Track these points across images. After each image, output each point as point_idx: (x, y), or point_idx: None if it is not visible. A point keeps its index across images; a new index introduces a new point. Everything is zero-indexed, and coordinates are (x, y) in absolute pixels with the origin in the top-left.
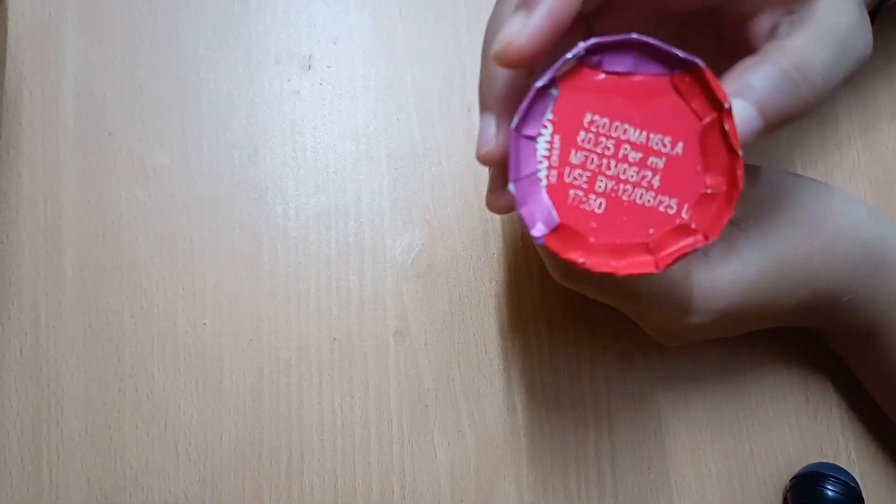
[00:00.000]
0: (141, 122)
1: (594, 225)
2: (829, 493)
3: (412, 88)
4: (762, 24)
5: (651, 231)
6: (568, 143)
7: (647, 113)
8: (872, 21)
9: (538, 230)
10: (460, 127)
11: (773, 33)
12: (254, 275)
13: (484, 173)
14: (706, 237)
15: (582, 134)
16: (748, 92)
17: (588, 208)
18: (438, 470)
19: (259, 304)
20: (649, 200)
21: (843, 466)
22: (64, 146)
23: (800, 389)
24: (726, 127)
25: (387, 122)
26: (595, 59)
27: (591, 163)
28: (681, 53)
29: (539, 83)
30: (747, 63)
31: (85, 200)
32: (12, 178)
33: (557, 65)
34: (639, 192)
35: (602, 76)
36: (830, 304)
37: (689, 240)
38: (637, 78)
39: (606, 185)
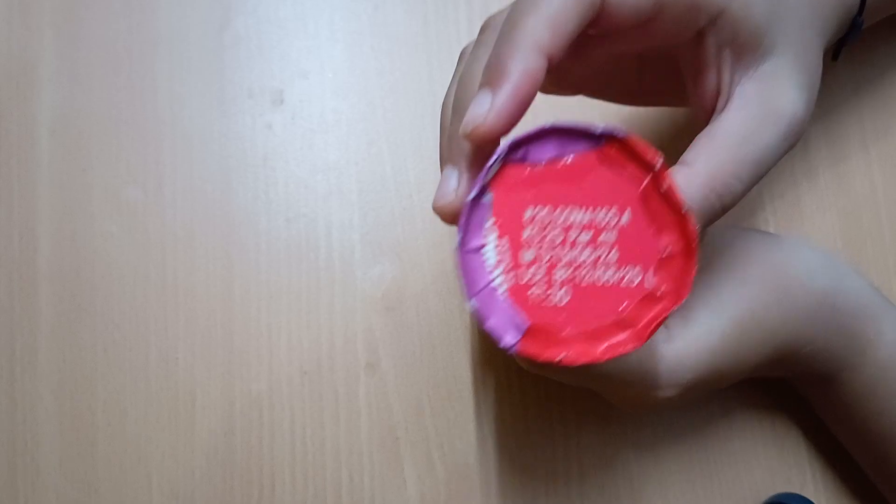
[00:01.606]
0: (116, 158)
1: (563, 317)
2: None
3: (383, 122)
4: (711, 77)
5: (621, 307)
6: (516, 244)
7: (584, 192)
8: (836, 56)
9: (509, 340)
10: (431, 160)
11: (720, 85)
12: (226, 309)
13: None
14: (678, 297)
15: (527, 230)
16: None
17: (553, 303)
18: (409, 502)
19: (231, 338)
20: (611, 277)
21: (809, 497)
22: (39, 182)
23: (767, 421)
24: (664, 185)
25: (358, 155)
26: (518, 154)
27: (544, 256)
28: (599, 128)
29: (470, 196)
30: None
31: (59, 236)
32: None
33: (483, 173)
34: (598, 272)
35: (529, 169)
36: (792, 356)
37: (661, 304)
38: (565, 161)
39: (565, 275)
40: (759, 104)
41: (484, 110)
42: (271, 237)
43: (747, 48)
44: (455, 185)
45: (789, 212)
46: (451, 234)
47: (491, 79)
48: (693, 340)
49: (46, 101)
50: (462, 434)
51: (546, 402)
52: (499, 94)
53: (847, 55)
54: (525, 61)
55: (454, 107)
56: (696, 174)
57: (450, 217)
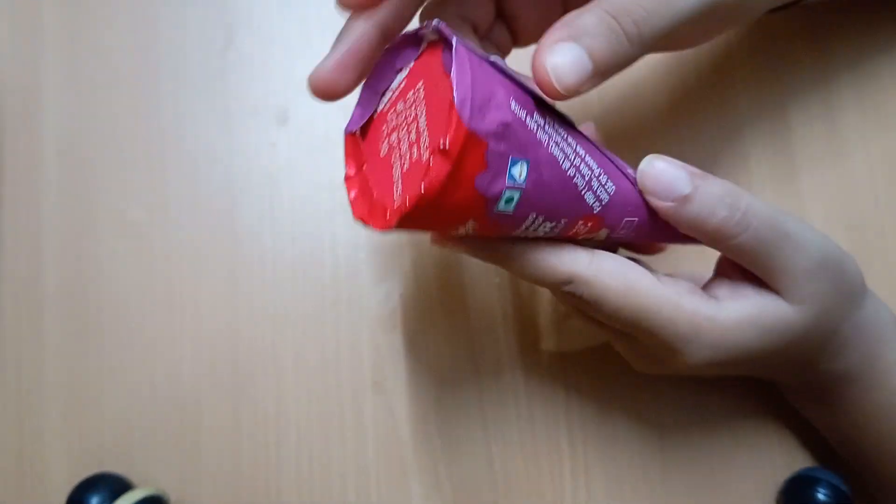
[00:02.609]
0: (121, 178)
1: (369, 165)
2: (821, 496)
3: None
4: None
5: (399, 187)
6: (401, 95)
7: (428, 88)
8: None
9: (351, 125)
10: None
11: None
12: (232, 328)
13: None
14: (428, 194)
15: (411, 94)
16: (577, 37)
17: (381, 145)
18: None
19: (237, 357)
20: (414, 154)
21: (833, 472)
22: (45, 203)
23: (779, 401)
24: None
25: None
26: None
27: (401, 118)
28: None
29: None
30: (575, 12)
31: (66, 256)
32: None
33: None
34: (412, 150)
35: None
36: (817, 366)
37: (410, 196)
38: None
39: (395, 140)
40: None
41: (322, 66)
42: (277, 256)
43: None
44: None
45: None
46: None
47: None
48: (739, 318)
49: (52, 122)
50: (469, 453)
51: (554, 421)
52: (331, 55)
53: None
54: (356, 29)
55: None
56: (595, 5)
57: (316, 89)
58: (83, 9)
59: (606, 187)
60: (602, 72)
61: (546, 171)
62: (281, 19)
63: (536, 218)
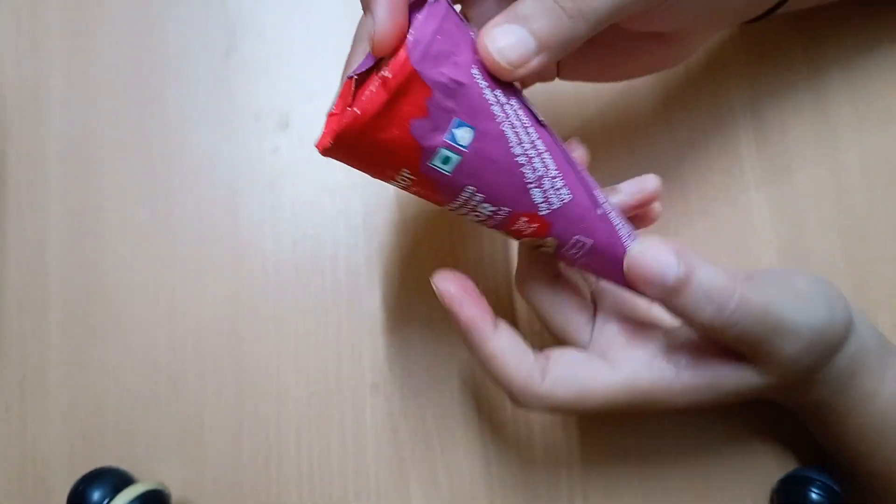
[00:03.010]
0: (124, 182)
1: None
2: (814, 496)
3: None
4: None
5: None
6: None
7: None
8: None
9: (355, 70)
10: None
11: None
12: (234, 330)
13: (460, 233)
14: (355, 122)
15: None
16: (518, 19)
17: (366, 90)
18: None
19: (239, 359)
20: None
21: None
22: (49, 205)
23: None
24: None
25: (363, 177)
26: None
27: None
28: None
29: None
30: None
31: (70, 259)
32: None
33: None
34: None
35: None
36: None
37: (342, 119)
38: None
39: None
40: None
41: (370, 31)
42: (279, 259)
43: None
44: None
45: (791, 231)
46: (455, 255)
47: (364, 4)
48: (695, 384)
49: (56, 126)
50: (468, 455)
51: (551, 423)
52: (377, 17)
53: (848, 88)
54: None
55: None
56: None
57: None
58: (87, 14)
59: (560, 192)
60: (548, 47)
61: (493, 148)
62: (283, 24)
63: (475, 194)
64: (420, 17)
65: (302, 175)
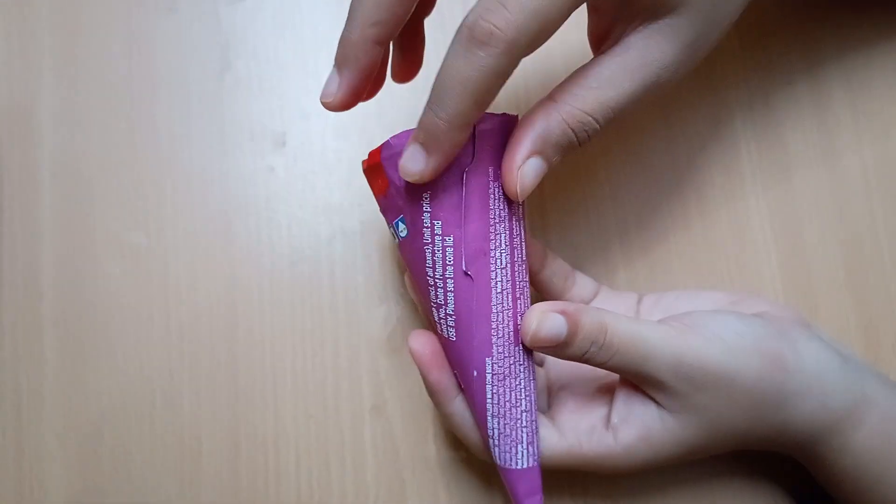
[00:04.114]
0: (118, 202)
1: None
2: None
3: None
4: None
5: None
6: None
7: None
8: None
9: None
10: None
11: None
12: (230, 352)
13: None
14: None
15: None
16: (541, 151)
17: None
18: None
19: (236, 381)
20: None
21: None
22: (42, 226)
23: None
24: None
25: (360, 196)
26: None
27: None
28: None
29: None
30: (541, 116)
31: (63, 281)
32: None
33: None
34: None
35: None
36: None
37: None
38: None
39: None
40: (635, 54)
41: (332, 90)
42: (275, 280)
43: (647, 7)
44: (336, 86)
45: (791, 241)
46: None
47: (339, 62)
48: (629, 443)
49: (47, 145)
50: (469, 477)
51: None
52: (343, 78)
53: (848, 97)
54: (364, 53)
55: (349, 11)
56: (557, 110)
57: (334, 109)
58: (80, 32)
59: (449, 329)
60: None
61: (415, 256)
62: (277, 42)
63: (413, 276)
64: (401, 133)
65: (298, 194)
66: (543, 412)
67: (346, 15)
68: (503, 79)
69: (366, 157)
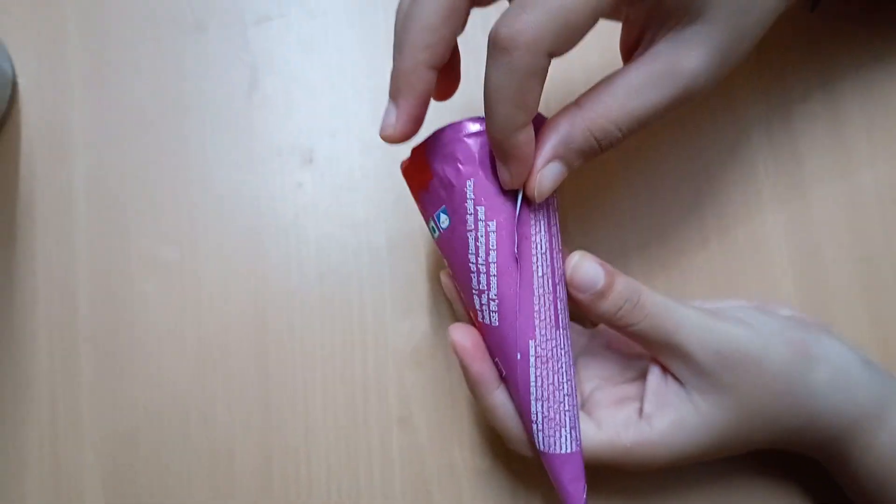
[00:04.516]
0: (150, 219)
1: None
2: None
3: None
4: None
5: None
6: None
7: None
8: (814, 7)
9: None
10: None
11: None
12: (261, 366)
13: None
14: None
15: None
16: (563, 156)
17: None
18: None
19: (267, 394)
20: None
21: None
22: (77, 244)
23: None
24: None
25: (386, 211)
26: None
27: None
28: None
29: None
30: (566, 121)
31: (98, 297)
32: (28, 278)
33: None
34: None
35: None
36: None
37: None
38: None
39: None
40: (662, 63)
41: (392, 122)
42: (304, 294)
43: (673, 14)
44: (394, 119)
45: (807, 257)
46: None
47: (394, 93)
48: (663, 430)
49: (81, 165)
50: (494, 487)
51: None
52: (400, 110)
53: (863, 115)
54: (418, 79)
55: (395, 43)
56: (582, 117)
57: (393, 142)
58: (110, 53)
59: (492, 314)
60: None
61: (458, 244)
62: (303, 62)
63: (450, 267)
64: (459, 127)
65: (326, 210)
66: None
67: (368, 36)
68: (536, 79)
69: (405, 157)
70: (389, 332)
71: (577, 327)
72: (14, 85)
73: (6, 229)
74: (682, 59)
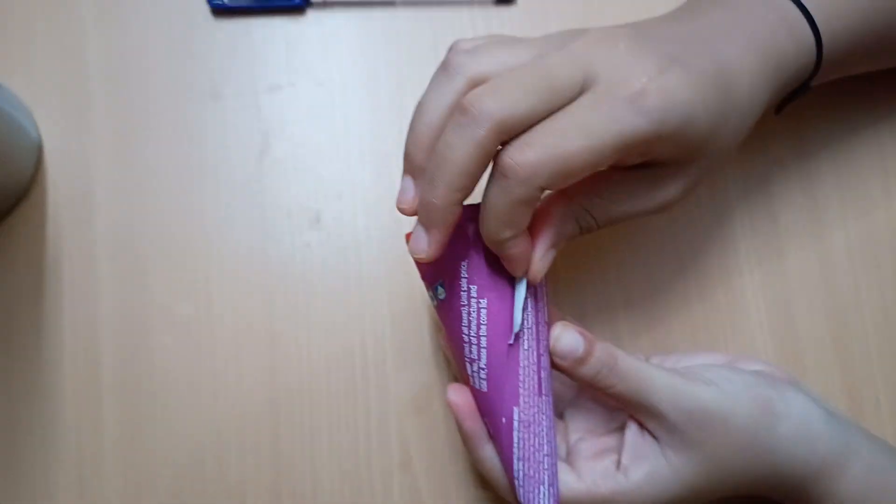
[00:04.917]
0: (169, 277)
1: None
2: None
3: None
4: None
5: None
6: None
7: None
8: (779, 110)
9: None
10: None
11: None
12: (272, 414)
13: None
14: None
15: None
16: (556, 245)
17: None
18: None
19: (278, 441)
20: None
21: None
22: (100, 300)
23: None
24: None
25: (388, 269)
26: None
27: None
28: None
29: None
30: (550, 214)
31: (121, 351)
32: (55, 332)
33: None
34: None
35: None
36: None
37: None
38: None
39: None
40: (644, 190)
41: (423, 247)
42: (311, 348)
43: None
44: (413, 194)
45: (782, 312)
46: None
47: (426, 223)
48: (639, 481)
49: (104, 226)
50: None
51: None
52: (432, 237)
53: (834, 178)
54: (450, 214)
55: (429, 176)
56: (571, 208)
57: (411, 214)
58: (133, 120)
59: (481, 381)
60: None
61: (453, 315)
62: (311, 128)
63: (448, 334)
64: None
65: (332, 268)
66: (563, 460)
67: (372, 105)
68: (527, 206)
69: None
70: (391, 381)
71: (567, 381)
72: (40, 150)
73: (35, 286)
74: (658, 193)
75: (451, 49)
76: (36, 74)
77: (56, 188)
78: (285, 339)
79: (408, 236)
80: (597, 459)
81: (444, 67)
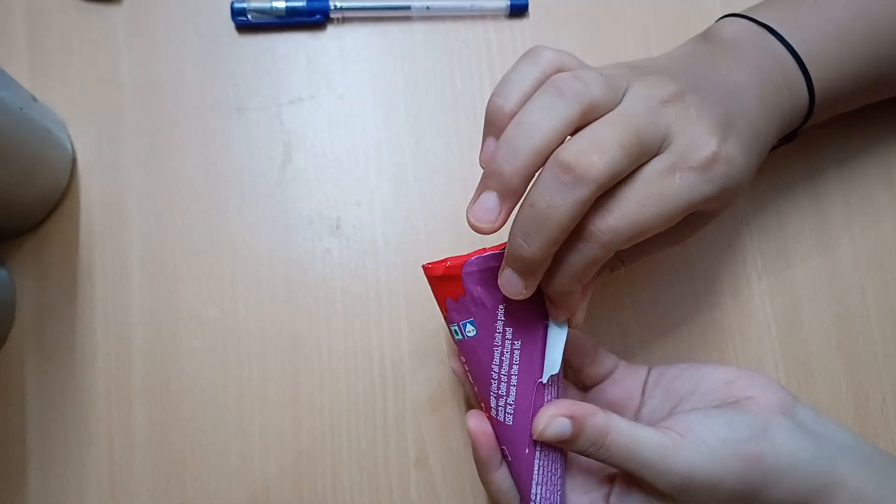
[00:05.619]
0: (197, 282)
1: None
2: None
3: (426, 244)
4: None
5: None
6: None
7: None
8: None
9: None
10: None
11: None
12: (294, 414)
13: None
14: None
15: None
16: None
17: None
18: None
19: (299, 439)
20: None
21: None
22: (132, 305)
23: None
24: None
25: (405, 273)
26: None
27: None
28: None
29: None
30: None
31: (151, 353)
32: (88, 335)
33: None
34: None
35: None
36: None
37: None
38: None
39: None
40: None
41: (493, 218)
42: (332, 349)
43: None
44: (495, 217)
45: (790, 318)
46: None
47: (500, 189)
48: None
49: (136, 233)
50: None
51: None
52: (504, 208)
53: (841, 188)
54: (524, 187)
55: (508, 147)
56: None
57: (482, 233)
58: (162, 134)
59: (507, 415)
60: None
61: (482, 353)
62: (331, 139)
63: (467, 364)
64: (499, 257)
65: (351, 273)
66: None
67: (389, 115)
68: (600, 264)
69: (426, 263)
70: (407, 381)
71: None
72: (74, 161)
73: (69, 290)
74: (684, 233)
75: (546, 61)
76: (71, 90)
77: (89, 197)
78: (307, 340)
79: (428, 268)
80: (587, 489)
81: (560, 92)
